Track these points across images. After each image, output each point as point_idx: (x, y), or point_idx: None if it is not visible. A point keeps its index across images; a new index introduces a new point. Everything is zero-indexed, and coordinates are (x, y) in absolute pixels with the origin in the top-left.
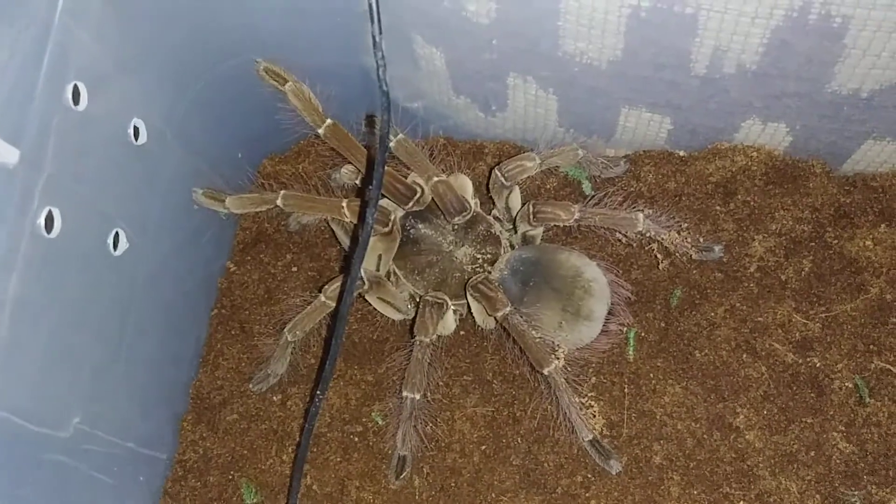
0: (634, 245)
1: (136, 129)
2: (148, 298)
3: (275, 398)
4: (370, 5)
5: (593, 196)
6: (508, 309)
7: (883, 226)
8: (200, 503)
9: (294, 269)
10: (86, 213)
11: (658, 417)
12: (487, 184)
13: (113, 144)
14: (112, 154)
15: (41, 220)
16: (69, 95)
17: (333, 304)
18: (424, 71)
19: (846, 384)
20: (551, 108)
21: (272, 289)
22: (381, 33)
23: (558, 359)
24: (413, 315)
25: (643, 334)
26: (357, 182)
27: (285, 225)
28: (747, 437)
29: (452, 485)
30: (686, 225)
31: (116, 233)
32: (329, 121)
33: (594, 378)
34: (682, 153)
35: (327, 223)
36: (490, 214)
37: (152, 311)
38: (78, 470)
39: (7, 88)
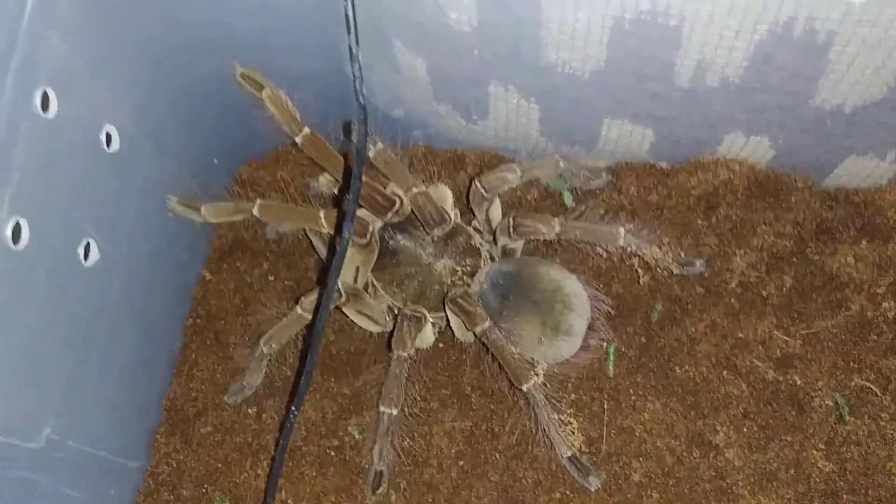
0: (615, 259)
1: (108, 136)
2: (120, 308)
3: (250, 410)
4: (346, 16)
5: (574, 208)
6: (487, 324)
7: (864, 241)
8: None
9: (271, 278)
10: (55, 224)
11: (637, 434)
12: (468, 194)
13: (84, 152)
14: (83, 162)
15: (8, 232)
16: (38, 102)
17: (310, 317)
18: (405, 77)
19: (826, 402)
20: (533, 117)
21: (248, 298)
22: (357, 44)
23: (537, 375)
24: (391, 327)
25: (623, 349)
26: (335, 191)
27: (263, 233)
28: (727, 455)
29: (430, 501)
30: (667, 239)
31: (87, 243)
32: (306, 129)
33: (573, 394)
34: (664, 165)
35: (305, 232)
36: (470, 225)
37: (125, 321)
38: (46, 485)
39: None
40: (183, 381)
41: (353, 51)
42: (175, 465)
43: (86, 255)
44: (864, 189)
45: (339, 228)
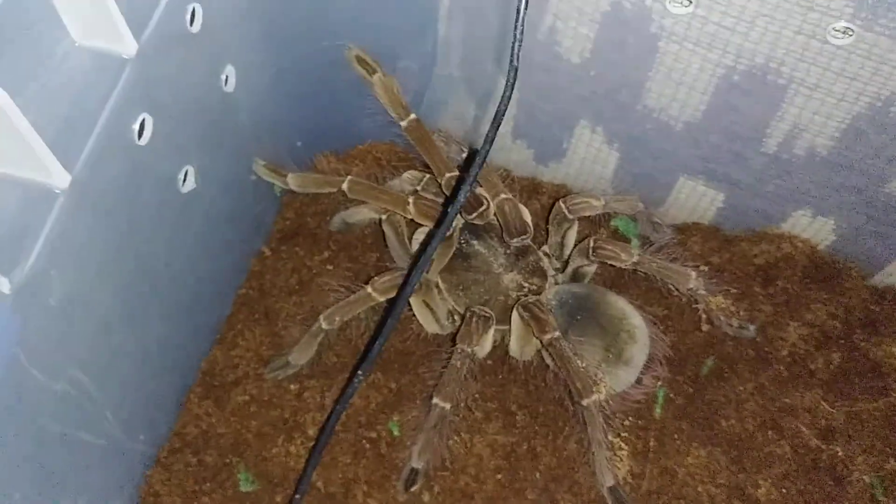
0: (676, 305)
1: (227, 78)
2: (192, 250)
3: (291, 387)
4: None
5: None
6: (557, 333)
7: None
8: (193, 480)
9: (330, 266)
10: (170, 135)
11: (680, 477)
12: (547, 218)
13: (206, 81)
14: (204, 89)
15: (136, 126)
16: (188, 17)
17: (379, 297)
18: (490, 113)
19: (864, 478)
20: (610, 165)
21: (305, 281)
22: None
23: (600, 392)
24: (448, 331)
25: (671, 395)
26: (418, 188)
27: (328, 222)
28: None
29: None
30: (734, 291)
31: (187, 171)
32: (412, 115)
33: (622, 424)
34: (726, 233)
35: (377, 225)
36: (540, 249)
37: (186, 268)
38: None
39: None
40: (225, 348)
41: (521, 12)
42: (204, 427)
43: (184, 181)
44: None
45: (453, 194)
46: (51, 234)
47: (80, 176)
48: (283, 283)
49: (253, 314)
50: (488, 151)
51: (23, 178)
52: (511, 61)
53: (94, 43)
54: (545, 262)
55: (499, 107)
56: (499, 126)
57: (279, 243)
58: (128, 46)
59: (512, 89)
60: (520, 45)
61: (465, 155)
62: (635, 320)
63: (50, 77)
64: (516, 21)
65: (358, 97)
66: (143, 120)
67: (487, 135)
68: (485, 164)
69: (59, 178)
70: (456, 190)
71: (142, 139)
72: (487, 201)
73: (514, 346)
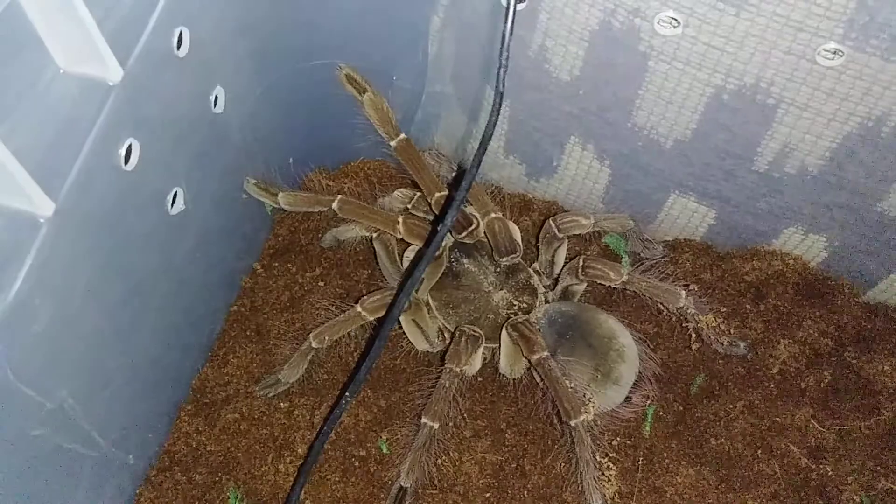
0: (665, 323)
1: (216, 98)
2: (180, 270)
3: (281, 405)
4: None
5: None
6: (546, 353)
7: None
8: (182, 499)
9: (321, 283)
10: (158, 159)
11: (668, 496)
12: (537, 236)
13: (195, 104)
14: (192, 111)
15: (122, 150)
16: (175, 40)
17: (368, 316)
18: (481, 126)
19: (854, 497)
20: (601, 181)
21: (296, 298)
22: (511, 34)
23: (588, 412)
24: (438, 349)
25: (661, 413)
26: (409, 206)
27: (320, 239)
28: None
29: None
30: (721, 318)
31: (176, 192)
32: (402, 135)
33: (610, 444)
34: (717, 250)
35: (369, 243)
36: (530, 267)
37: (177, 287)
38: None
39: (122, 22)
40: (216, 366)
41: (506, 38)
42: (194, 445)
43: (172, 203)
44: None
45: (442, 214)
46: (35, 264)
47: (65, 203)
48: (274, 300)
49: (244, 331)
50: (475, 175)
51: (6, 206)
52: (497, 87)
53: (78, 69)
54: (535, 280)
55: (485, 132)
56: (485, 150)
57: (271, 260)
58: (113, 72)
59: (497, 114)
60: (505, 71)
61: (455, 174)
62: (624, 339)
63: (34, 104)
64: (501, 47)
65: (349, 115)
66: (130, 145)
67: (474, 158)
68: (476, 182)
69: (43, 207)
70: (444, 210)
71: (128, 164)
72: (477, 220)
73: (503, 364)
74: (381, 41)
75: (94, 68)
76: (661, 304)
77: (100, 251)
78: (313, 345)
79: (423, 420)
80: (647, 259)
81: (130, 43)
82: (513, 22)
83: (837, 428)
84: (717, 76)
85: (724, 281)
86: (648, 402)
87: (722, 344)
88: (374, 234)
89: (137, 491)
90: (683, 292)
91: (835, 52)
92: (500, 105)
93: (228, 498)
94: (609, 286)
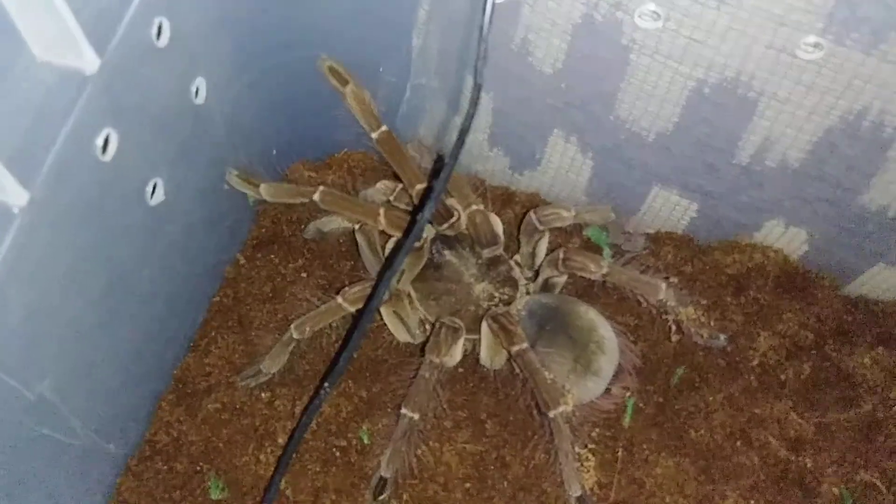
0: (646, 315)
1: (197, 89)
2: (162, 260)
3: (263, 395)
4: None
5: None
6: (525, 345)
7: (881, 348)
8: (163, 488)
9: (304, 274)
10: (137, 149)
11: (647, 487)
12: (518, 227)
13: (175, 94)
14: (173, 102)
15: (99, 141)
16: (154, 31)
17: (350, 308)
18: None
19: (833, 489)
20: (584, 175)
21: (279, 289)
22: (490, 24)
23: (566, 403)
24: (419, 340)
25: (641, 405)
26: (391, 198)
27: (303, 230)
28: None
29: None
30: (700, 311)
31: (155, 183)
32: (384, 127)
33: (588, 438)
34: (699, 242)
35: (352, 234)
36: (512, 259)
37: (161, 275)
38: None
39: (99, 12)
40: (199, 356)
41: (483, 29)
42: (175, 435)
43: (152, 194)
44: (885, 301)
45: (420, 207)
46: (8, 254)
47: (40, 193)
48: (257, 291)
49: (227, 322)
50: (453, 166)
51: None
52: (475, 79)
53: (55, 59)
54: (516, 273)
55: (462, 124)
56: (463, 142)
57: (254, 251)
58: (89, 62)
59: (476, 106)
60: (484, 63)
61: (435, 165)
62: (604, 331)
63: (8, 94)
64: (479, 39)
65: (332, 107)
66: (108, 135)
67: (453, 150)
68: (458, 174)
69: (16, 196)
70: (423, 202)
71: (106, 154)
72: (458, 212)
73: (484, 356)
74: (366, 33)
75: (71, 58)
76: (641, 296)
77: (78, 242)
78: (295, 335)
79: (403, 411)
80: (629, 251)
81: (108, 33)
82: (491, 14)
83: (817, 420)
84: (698, 70)
85: (705, 273)
86: (628, 393)
87: (702, 336)
88: (357, 226)
89: (118, 480)
90: (664, 285)
91: (815, 46)
92: (479, 97)
93: (209, 487)
94: (590, 278)
